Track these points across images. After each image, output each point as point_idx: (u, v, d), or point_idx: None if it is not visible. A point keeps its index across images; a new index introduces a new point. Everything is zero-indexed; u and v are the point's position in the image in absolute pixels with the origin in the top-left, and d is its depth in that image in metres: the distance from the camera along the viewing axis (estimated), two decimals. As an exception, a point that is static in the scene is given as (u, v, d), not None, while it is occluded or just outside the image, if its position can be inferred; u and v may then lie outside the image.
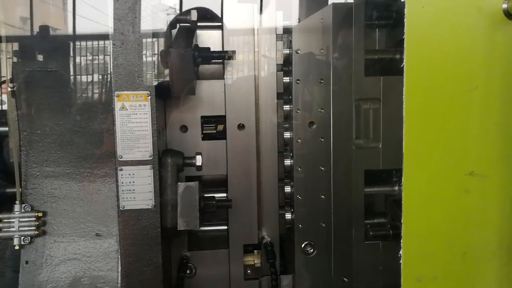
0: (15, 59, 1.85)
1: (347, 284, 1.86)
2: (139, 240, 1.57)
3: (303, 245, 1.88)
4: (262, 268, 1.95)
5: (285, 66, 1.90)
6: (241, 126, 1.87)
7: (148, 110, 1.53)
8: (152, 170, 1.55)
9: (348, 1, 1.81)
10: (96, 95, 2.05)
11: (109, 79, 1.91)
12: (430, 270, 1.13)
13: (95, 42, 2.40)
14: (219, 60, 1.83)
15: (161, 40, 1.82)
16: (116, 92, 1.51)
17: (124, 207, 1.56)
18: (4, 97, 1.86)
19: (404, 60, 1.06)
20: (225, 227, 1.93)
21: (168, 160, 1.63)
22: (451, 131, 1.10)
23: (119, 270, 1.62)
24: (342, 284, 1.86)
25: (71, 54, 2.07)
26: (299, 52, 1.83)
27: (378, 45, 1.88)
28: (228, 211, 1.89)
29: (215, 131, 1.89)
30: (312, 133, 1.85)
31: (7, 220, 1.66)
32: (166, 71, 1.73)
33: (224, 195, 1.90)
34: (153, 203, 1.56)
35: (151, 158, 1.55)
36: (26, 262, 1.69)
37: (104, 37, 2.15)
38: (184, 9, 1.88)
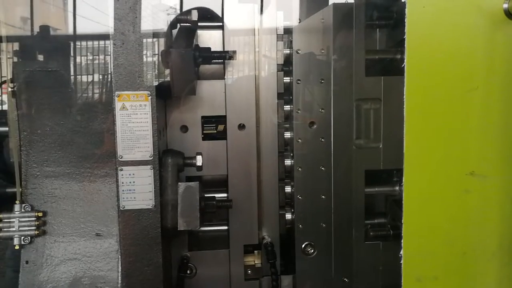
0: (15, 59, 1.86)
1: (347, 284, 1.86)
2: (139, 240, 1.57)
3: (303, 245, 1.88)
4: (262, 268, 1.94)
5: (286, 66, 1.90)
6: (241, 126, 1.87)
7: (149, 110, 1.53)
8: (152, 170, 1.55)
9: (348, 1, 1.81)
10: (96, 95, 2.06)
11: (109, 79, 1.91)
12: (431, 270, 1.13)
13: (96, 42, 2.40)
14: (219, 60, 1.83)
15: (162, 40, 1.82)
16: (116, 92, 1.51)
17: (124, 207, 1.56)
18: (5, 97, 1.86)
19: (405, 60, 1.06)
20: (226, 227, 1.93)
21: (168, 160, 1.63)
22: (451, 131, 1.10)
23: (119, 270, 1.62)
24: (343, 284, 1.86)
25: (72, 54, 2.08)
26: (299, 52, 1.83)
27: (378, 45, 1.88)
28: (228, 211, 1.89)
29: (215, 131, 1.89)
30: (312, 133, 1.85)
31: (7, 220, 1.66)
32: (167, 71, 1.73)
33: (225, 195, 1.90)
34: (154, 203, 1.56)
35: (151, 158, 1.55)
36: (26, 262, 1.69)
37: (104, 37, 2.15)
38: (184, 9, 1.88)
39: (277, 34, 1.86)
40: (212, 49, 1.77)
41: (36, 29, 1.97)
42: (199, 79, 1.85)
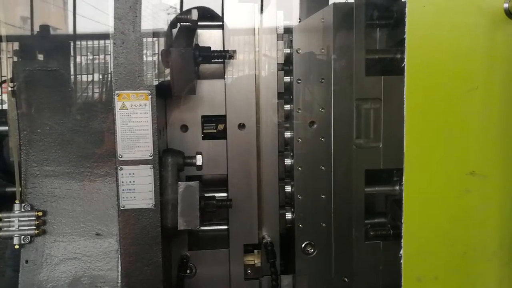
0: (15, 59, 1.86)
1: (347, 284, 1.86)
2: (139, 239, 1.57)
3: (303, 245, 1.88)
4: (262, 268, 1.94)
5: (286, 65, 1.90)
6: (241, 126, 1.87)
7: (149, 109, 1.53)
8: (152, 169, 1.55)
9: (348, 1, 1.81)
10: (96, 94, 2.06)
11: (109, 79, 1.91)
12: (431, 270, 1.13)
13: (96, 42, 2.40)
14: (219, 60, 1.82)
15: (162, 40, 1.81)
16: (116, 92, 1.51)
17: (124, 207, 1.56)
18: (5, 97, 1.86)
19: (405, 60, 1.06)
20: (226, 227, 1.92)
21: (168, 159, 1.63)
22: (452, 130, 1.10)
23: (119, 270, 1.62)
24: (343, 284, 1.86)
25: (72, 53, 2.08)
26: (299, 51, 1.83)
27: (379, 45, 1.88)
28: (228, 211, 1.89)
29: (215, 131, 1.89)
30: (312, 132, 1.85)
31: (7, 219, 1.66)
32: (167, 71, 1.73)
33: (225, 194, 1.90)
34: (154, 203, 1.56)
35: (151, 157, 1.54)
36: (26, 262, 1.69)
37: (104, 36, 2.15)
38: (184, 8, 1.88)
39: (277, 34, 1.86)
40: (212, 49, 1.77)
41: (36, 29, 1.98)
42: (199, 79, 1.85)
